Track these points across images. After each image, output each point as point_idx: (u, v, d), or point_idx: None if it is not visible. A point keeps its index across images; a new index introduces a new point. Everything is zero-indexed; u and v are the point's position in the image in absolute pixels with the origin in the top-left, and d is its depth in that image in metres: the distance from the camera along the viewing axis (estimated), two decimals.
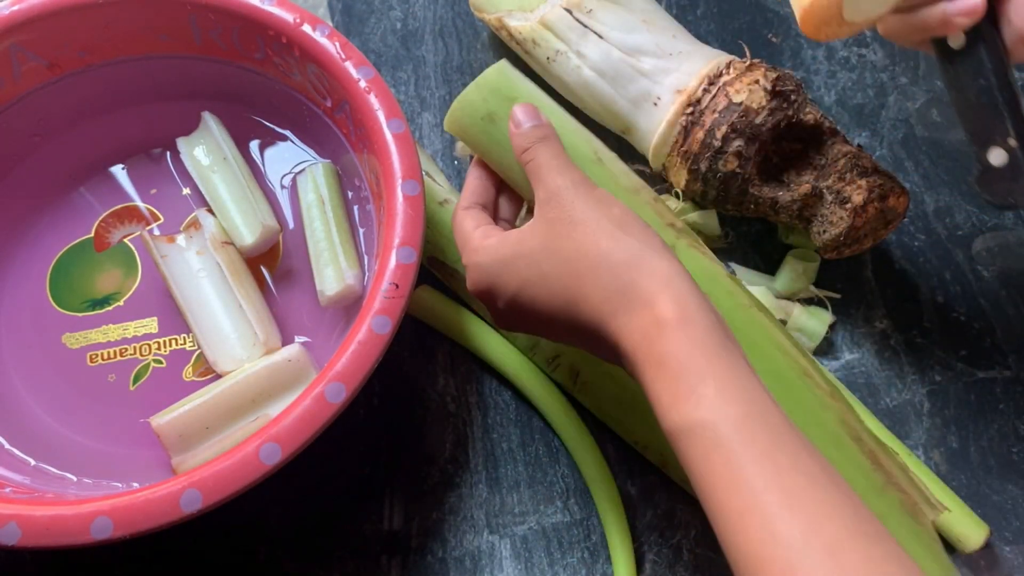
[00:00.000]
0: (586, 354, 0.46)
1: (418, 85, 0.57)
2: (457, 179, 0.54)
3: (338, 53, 0.45)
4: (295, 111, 0.51)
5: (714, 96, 0.48)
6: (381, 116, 0.44)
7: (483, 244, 0.38)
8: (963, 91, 0.36)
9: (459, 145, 0.54)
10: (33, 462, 0.44)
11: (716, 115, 0.47)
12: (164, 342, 0.47)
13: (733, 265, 0.52)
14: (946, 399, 0.49)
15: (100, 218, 0.50)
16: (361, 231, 0.50)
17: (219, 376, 0.45)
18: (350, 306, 0.47)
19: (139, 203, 0.51)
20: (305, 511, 0.45)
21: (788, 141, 0.49)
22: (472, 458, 0.47)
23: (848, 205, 0.46)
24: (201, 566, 0.44)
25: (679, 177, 0.50)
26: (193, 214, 0.50)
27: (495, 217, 0.42)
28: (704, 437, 0.29)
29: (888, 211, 0.47)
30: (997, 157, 0.36)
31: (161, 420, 0.42)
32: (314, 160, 0.52)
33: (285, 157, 0.52)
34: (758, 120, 0.47)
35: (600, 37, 0.50)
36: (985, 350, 0.50)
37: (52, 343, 0.47)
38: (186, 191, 0.51)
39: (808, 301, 0.50)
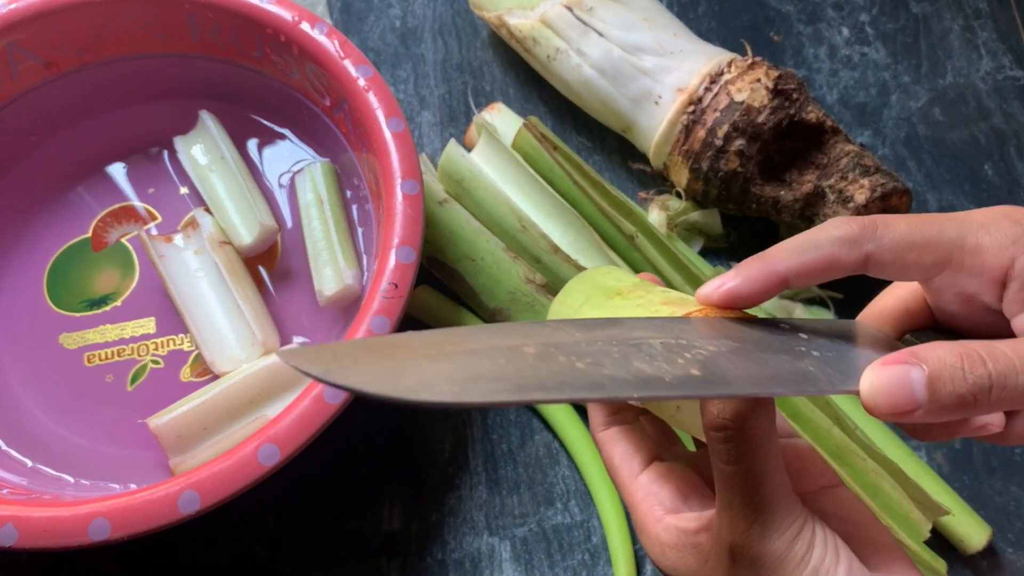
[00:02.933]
0: None
1: (417, 84, 0.57)
2: None
3: (337, 51, 0.45)
4: (294, 110, 0.51)
5: (715, 95, 0.47)
6: (380, 115, 0.44)
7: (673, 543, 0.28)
8: None
9: (468, 135, 0.54)
10: (30, 463, 0.43)
11: (718, 114, 0.47)
12: (162, 342, 0.47)
13: (735, 264, 0.51)
14: None
15: (97, 218, 0.50)
16: (360, 231, 0.49)
17: (217, 377, 0.45)
18: (349, 306, 0.47)
19: (137, 202, 0.51)
20: (305, 512, 0.45)
21: (790, 140, 0.49)
22: (472, 459, 0.46)
23: (850, 204, 0.45)
24: (200, 567, 0.44)
25: (680, 176, 0.50)
26: (191, 213, 0.50)
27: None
28: None
29: (890, 210, 0.46)
30: None
31: (159, 421, 0.42)
32: (313, 159, 0.51)
33: (283, 156, 0.52)
34: (760, 119, 0.46)
35: (601, 35, 0.50)
36: None
37: (49, 343, 0.47)
38: (184, 190, 0.51)
39: (810, 301, 0.50)
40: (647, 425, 0.32)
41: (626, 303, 0.29)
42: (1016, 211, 0.26)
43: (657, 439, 0.31)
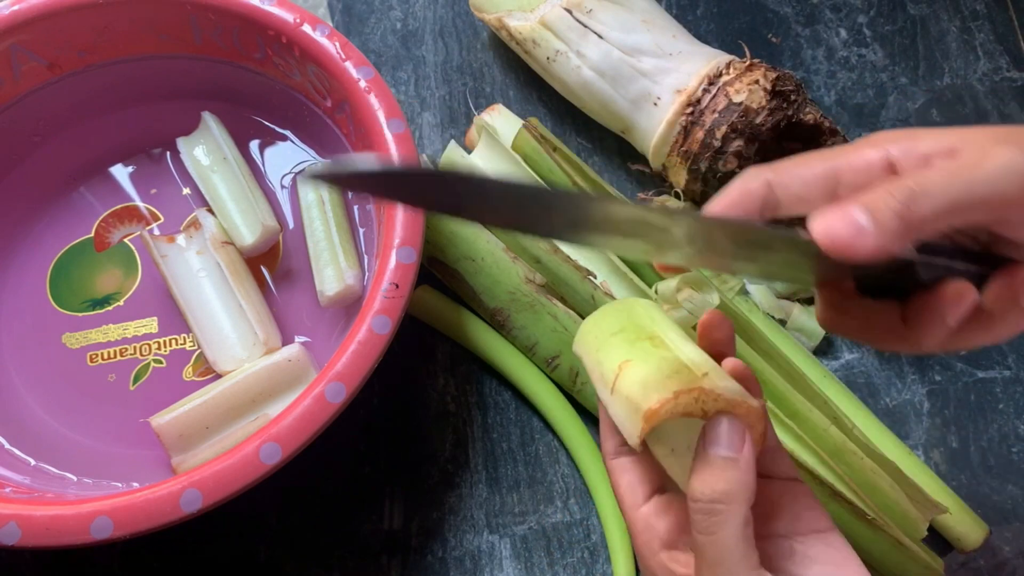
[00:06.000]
0: None
1: (418, 85, 0.57)
2: None
3: (338, 53, 0.45)
4: (295, 111, 0.51)
5: (714, 96, 0.48)
6: (381, 116, 0.44)
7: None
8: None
9: (469, 135, 0.54)
10: (33, 462, 0.44)
11: (716, 115, 0.47)
12: (164, 342, 0.47)
13: None
14: (946, 399, 0.49)
15: (100, 218, 0.50)
16: (361, 231, 0.50)
17: (219, 376, 0.45)
18: (350, 306, 0.47)
19: (139, 203, 0.51)
20: (305, 511, 0.45)
21: (788, 141, 0.49)
22: (472, 458, 0.47)
23: None
24: (201, 566, 0.44)
25: (679, 177, 0.50)
26: (193, 214, 0.50)
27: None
28: None
29: None
30: None
31: (161, 420, 0.42)
32: (314, 160, 0.52)
33: (285, 157, 0.52)
34: (758, 120, 0.47)
35: (600, 37, 0.50)
36: (985, 350, 0.50)
37: (52, 343, 0.47)
38: (186, 191, 0.51)
39: (808, 301, 0.50)
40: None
41: (653, 350, 0.30)
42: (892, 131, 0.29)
43: (662, 470, 0.33)
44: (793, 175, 0.29)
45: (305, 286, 0.48)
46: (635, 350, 0.31)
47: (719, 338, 0.32)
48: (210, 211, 0.49)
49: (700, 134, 0.48)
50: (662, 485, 0.32)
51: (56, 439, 0.45)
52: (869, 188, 0.26)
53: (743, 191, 0.29)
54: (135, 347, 0.47)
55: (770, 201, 0.29)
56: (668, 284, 0.45)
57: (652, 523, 0.31)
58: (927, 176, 0.26)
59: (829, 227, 0.25)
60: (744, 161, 0.47)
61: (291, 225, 0.50)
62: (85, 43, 0.49)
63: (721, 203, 0.29)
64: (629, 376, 0.30)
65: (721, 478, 0.27)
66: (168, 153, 0.52)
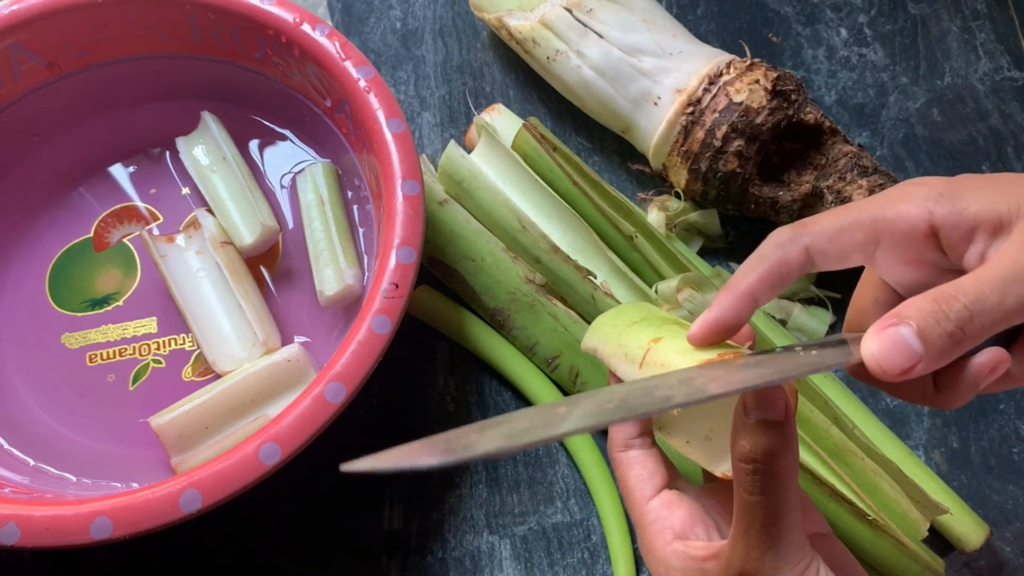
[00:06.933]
0: (586, 354, 0.46)
1: (418, 85, 0.57)
2: None
3: (338, 53, 0.45)
4: (295, 111, 0.51)
5: (714, 96, 0.48)
6: (381, 116, 0.44)
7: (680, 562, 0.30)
8: None
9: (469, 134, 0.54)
10: (32, 462, 0.44)
11: (716, 115, 0.47)
12: (163, 342, 0.47)
13: (734, 265, 0.52)
14: None
15: (99, 218, 0.50)
16: (361, 231, 0.50)
17: (218, 376, 0.45)
18: (350, 306, 0.47)
19: (138, 203, 0.51)
20: (305, 511, 0.45)
21: (788, 141, 0.49)
22: None
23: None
24: (201, 566, 0.44)
25: (679, 177, 0.50)
26: (192, 214, 0.50)
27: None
28: None
29: None
30: None
31: (160, 420, 0.42)
32: (314, 160, 0.52)
33: (285, 157, 0.52)
34: (758, 120, 0.47)
35: (600, 36, 0.50)
36: None
37: (51, 343, 0.47)
38: (185, 191, 0.51)
39: (808, 301, 0.50)
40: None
41: (681, 331, 0.31)
42: (924, 179, 0.29)
43: (671, 466, 0.33)
44: (831, 241, 0.29)
45: (305, 286, 0.48)
46: (663, 331, 0.31)
47: (741, 339, 0.33)
48: (209, 211, 0.49)
49: (700, 134, 0.48)
50: (670, 481, 0.32)
51: (55, 439, 0.45)
52: (918, 298, 0.26)
53: (782, 261, 0.29)
54: (134, 347, 0.47)
55: (806, 266, 0.29)
56: (668, 284, 0.45)
57: (664, 515, 0.31)
58: (980, 291, 0.25)
59: (882, 354, 0.25)
60: (744, 161, 0.47)
61: (291, 225, 0.50)
62: (84, 43, 0.49)
63: (758, 272, 0.29)
64: (663, 348, 0.30)
65: (771, 438, 0.27)
66: (167, 153, 0.52)
